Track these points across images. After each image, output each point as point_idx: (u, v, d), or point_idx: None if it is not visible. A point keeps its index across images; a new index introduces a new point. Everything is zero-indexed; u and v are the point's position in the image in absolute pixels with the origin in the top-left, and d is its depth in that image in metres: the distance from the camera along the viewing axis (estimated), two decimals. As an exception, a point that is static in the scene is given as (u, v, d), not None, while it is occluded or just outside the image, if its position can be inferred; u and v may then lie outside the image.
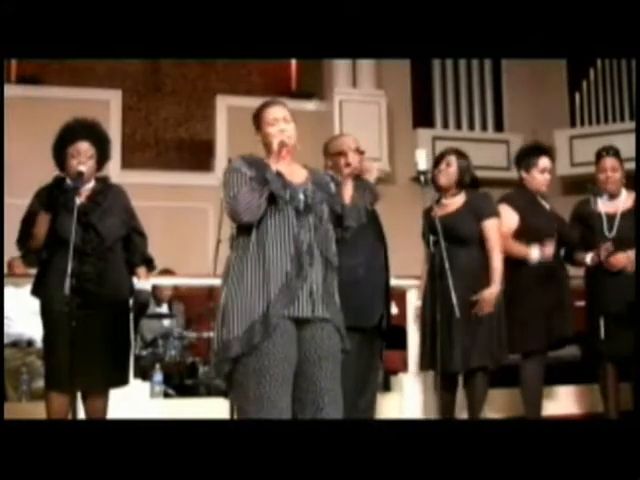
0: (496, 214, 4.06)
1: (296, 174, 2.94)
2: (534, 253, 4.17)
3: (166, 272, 6.07)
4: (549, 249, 4.20)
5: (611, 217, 4.31)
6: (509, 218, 4.21)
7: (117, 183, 3.90)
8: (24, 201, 3.78)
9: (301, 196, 2.88)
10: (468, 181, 4.11)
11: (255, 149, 3.04)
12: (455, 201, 4.04)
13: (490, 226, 4.00)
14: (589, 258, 4.28)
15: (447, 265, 3.70)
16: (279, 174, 2.84)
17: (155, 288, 5.72)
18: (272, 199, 2.82)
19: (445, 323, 3.85)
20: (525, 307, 4.14)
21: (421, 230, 4.15)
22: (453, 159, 4.10)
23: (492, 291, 3.91)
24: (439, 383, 3.93)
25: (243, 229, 2.85)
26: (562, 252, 4.42)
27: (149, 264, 3.91)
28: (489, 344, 3.96)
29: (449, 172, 4.06)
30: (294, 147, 2.91)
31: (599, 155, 4.42)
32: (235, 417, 2.82)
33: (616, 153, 4.38)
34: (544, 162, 4.28)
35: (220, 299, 2.84)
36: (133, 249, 3.81)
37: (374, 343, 3.92)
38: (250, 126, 3.04)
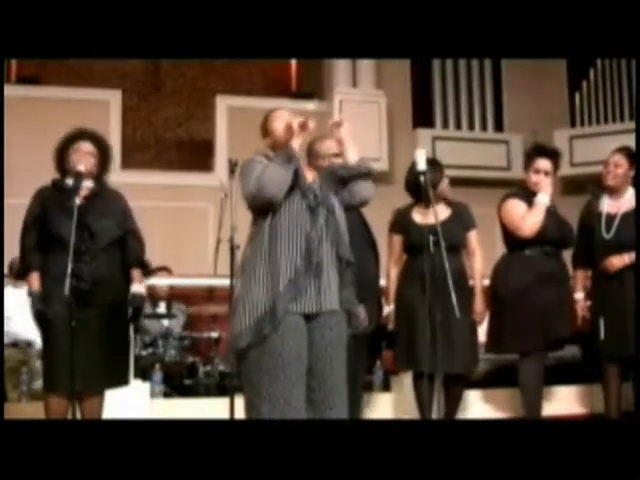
0: (476, 225, 4.30)
1: (306, 174, 3.01)
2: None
3: (163, 269, 6.09)
4: None
5: (611, 218, 4.27)
6: (522, 208, 4.24)
7: (115, 187, 3.92)
8: (24, 201, 3.79)
9: (311, 194, 2.92)
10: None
11: (255, 148, 3.05)
12: (439, 210, 4.02)
13: (474, 236, 4.28)
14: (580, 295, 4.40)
15: (447, 266, 3.70)
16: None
17: (151, 288, 5.72)
18: (291, 186, 2.85)
19: (445, 323, 3.86)
20: (522, 306, 4.13)
21: (389, 227, 4.31)
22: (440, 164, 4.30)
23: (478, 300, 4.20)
24: (425, 382, 3.90)
25: (258, 222, 2.89)
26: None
27: (144, 268, 3.91)
28: (473, 347, 4.17)
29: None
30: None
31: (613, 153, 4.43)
32: (245, 412, 2.81)
33: (628, 153, 4.36)
34: (539, 163, 4.28)
35: (235, 293, 2.90)
36: (127, 251, 3.82)
37: (359, 346, 3.89)
38: (250, 126, 3.05)
